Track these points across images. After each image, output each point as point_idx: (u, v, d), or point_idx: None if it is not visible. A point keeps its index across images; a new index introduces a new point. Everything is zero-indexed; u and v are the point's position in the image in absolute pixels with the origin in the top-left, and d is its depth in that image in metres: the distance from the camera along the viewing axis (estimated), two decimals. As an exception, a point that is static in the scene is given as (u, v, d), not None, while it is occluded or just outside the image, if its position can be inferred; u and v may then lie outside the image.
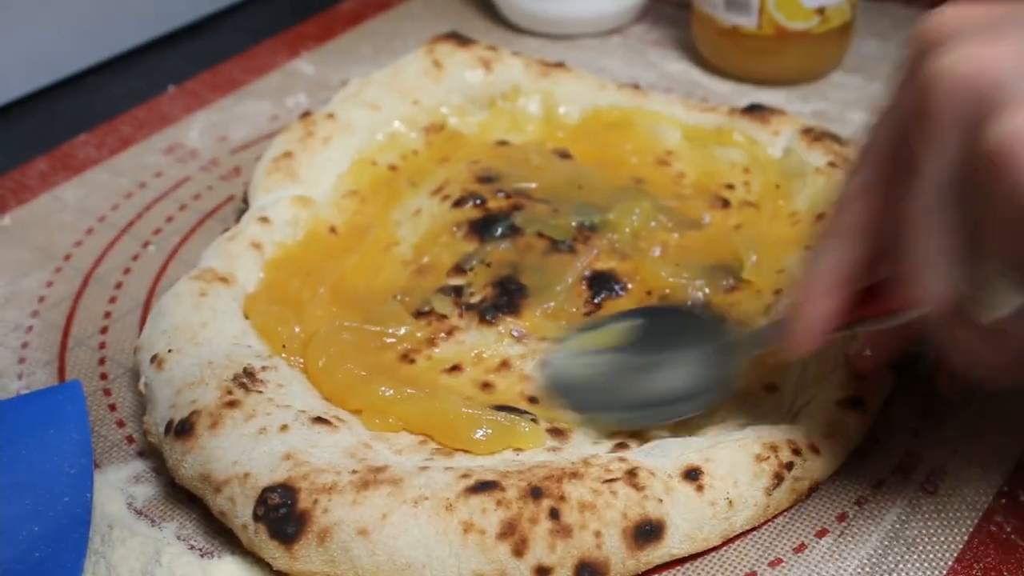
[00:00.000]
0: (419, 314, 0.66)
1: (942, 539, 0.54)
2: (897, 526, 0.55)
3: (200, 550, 0.56)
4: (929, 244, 0.45)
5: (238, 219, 0.75)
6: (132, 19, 1.01)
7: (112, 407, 0.65)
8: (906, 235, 0.46)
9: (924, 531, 0.55)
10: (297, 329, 0.65)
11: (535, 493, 0.52)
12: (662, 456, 0.55)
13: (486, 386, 0.62)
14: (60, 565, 0.53)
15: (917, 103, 0.44)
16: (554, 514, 0.51)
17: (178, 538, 0.57)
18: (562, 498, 0.52)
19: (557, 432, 0.59)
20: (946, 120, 0.43)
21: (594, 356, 0.62)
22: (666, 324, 0.63)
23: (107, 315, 0.72)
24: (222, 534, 0.56)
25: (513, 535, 0.51)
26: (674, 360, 0.61)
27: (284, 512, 0.52)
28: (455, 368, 0.63)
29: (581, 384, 0.61)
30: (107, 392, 0.66)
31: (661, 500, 0.53)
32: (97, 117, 0.92)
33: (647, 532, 0.52)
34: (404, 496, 0.52)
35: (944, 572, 0.53)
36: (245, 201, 0.77)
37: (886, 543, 0.54)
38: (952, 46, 0.43)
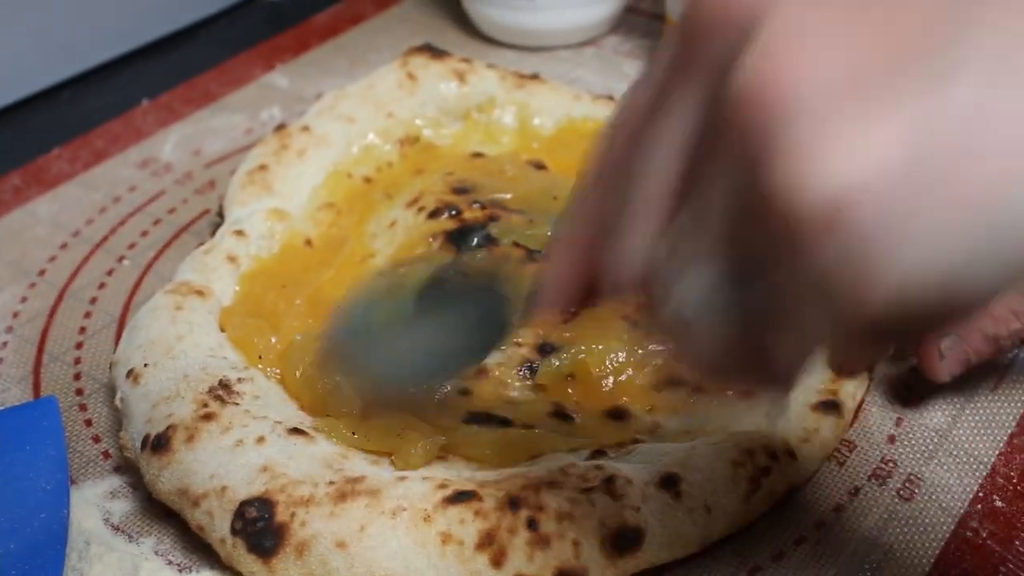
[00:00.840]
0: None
1: (919, 546, 0.55)
2: (874, 533, 0.55)
3: (178, 565, 0.56)
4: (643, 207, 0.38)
5: (213, 233, 0.74)
6: (106, 32, 1.01)
7: (88, 422, 0.65)
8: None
9: (901, 538, 0.55)
10: (274, 340, 0.65)
11: (513, 503, 0.52)
12: (639, 463, 0.55)
13: (464, 393, 0.62)
14: (37, 582, 0.53)
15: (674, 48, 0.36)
16: (532, 524, 0.51)
17: (156, 553, 0.56)
18: (540, 508, 0.52)
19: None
20: (693, 66, 0.35)
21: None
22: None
23: (82, 330, 0.72)
24: (200, 549, 0.56)
25: (491, 546, 0.51)
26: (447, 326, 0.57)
27: (262, 526, 0.52)
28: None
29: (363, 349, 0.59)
30: (83, 408, 0.66)
31: (638, 508, 0.53)
32: (71, 131, 0.92)
33: (625, 540, 0.52)
34: (382, 507, 0.52)
35: (921, 578, 0.53)
36: (220, 215, 0.77)
37: (863, 550, 0.55)
38: None
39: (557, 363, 0.62)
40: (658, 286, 0.38)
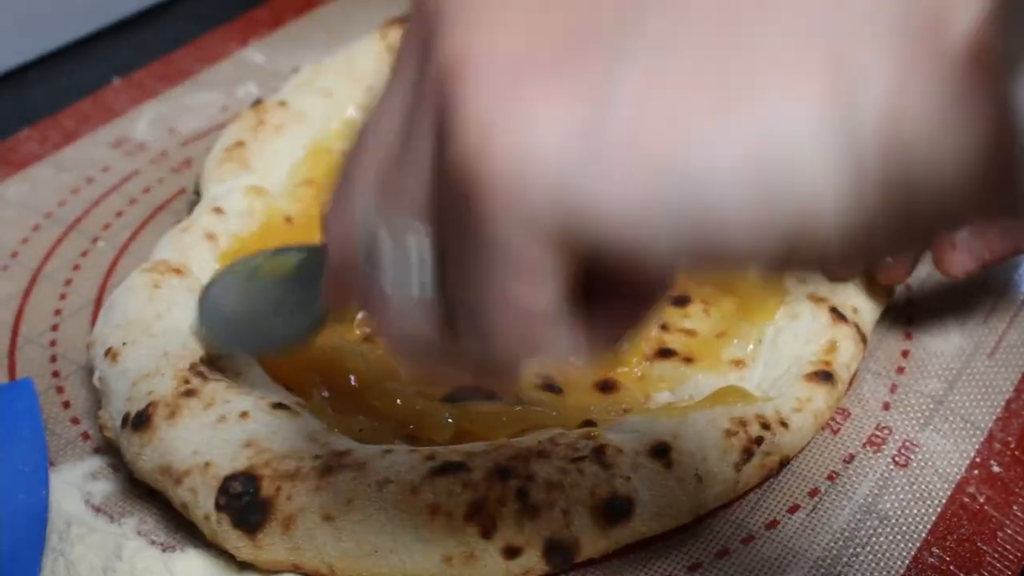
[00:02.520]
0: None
1: (915, 511, 0.54)
2: (870, 500, 0.55)
3: (162, 545, 0.54)
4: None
5: (190, 211, 0.73)
6: (74, 10, 0.99)
7: (66, 404, 0.63)
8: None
9: (897, 504, 0.55)
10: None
11: (502, 473, 0.51)
12: (629, 433, 0.54)
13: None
14: (17, 564, 0.52)
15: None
16: (521, 494, 0.51)
17: (138, 533, 0.55)
18: (529, 478, 0.51)
19: None
20: (408, 51, 0.36)
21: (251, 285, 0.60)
22: None
23: (57, 312, 0.70)
24: (183, 528, 0.54)
25: (481, 516, 0.50)
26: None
27: (247, 501, 0.51)
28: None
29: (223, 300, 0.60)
30: (60, 390, 0.64)
31: (629, 477, 0.52)
32: (39, 111, 0.90)
33: (616, 510, 0.51)
34: (368, 480, 0.51)
35: (918, 544, 0.53)
36: (197, 193, 0.76)
37: (859, 517, 0.54)
38: None
39: None
40: (368, 260, 0.37)
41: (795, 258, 0.32)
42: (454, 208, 0.34)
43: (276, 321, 0.58)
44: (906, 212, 0.31)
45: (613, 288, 0.36)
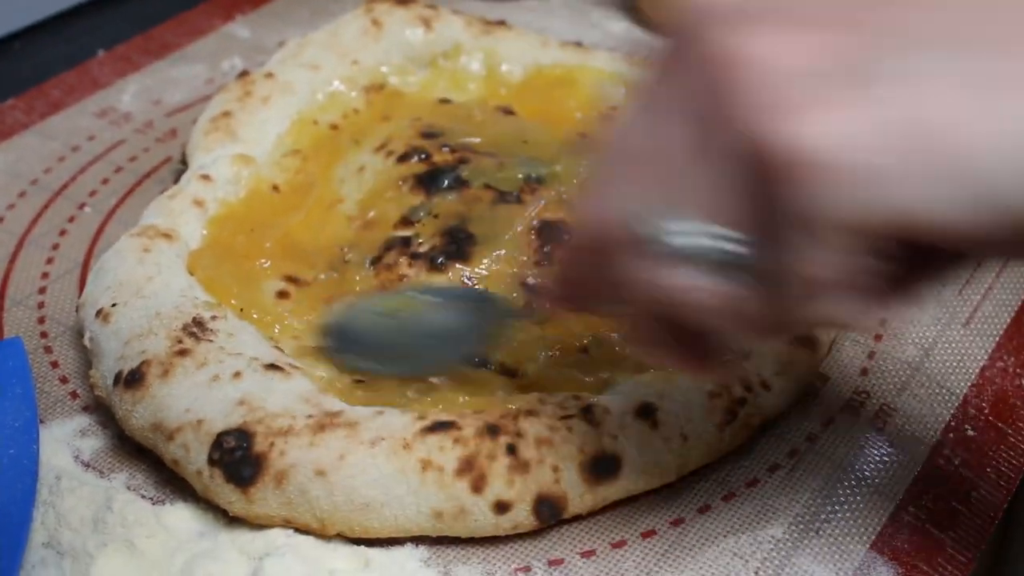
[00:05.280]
0: (370, 264, 0.66)
1: (892, 472, 0.56)
2: (848, 460, 0.56)
3: (151, 499, 0.55)
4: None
5: (176, 180, 0.73)
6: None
7: (54, 364, 0.64)
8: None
9: (874, 465, 0.56)
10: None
11: (492, 430, 0.52)
12: (616, 394, 0.55)
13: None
14: (9, 516, 0.52)
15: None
16: (511, 450, 0.52)
17: (128, 488, 0.56)
18: (519, 434, 0.52)
19: None
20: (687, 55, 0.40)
21: (377, 314, 0.61)
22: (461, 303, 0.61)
23: (44, 276, 0.70)
24: (173, 483, 0.55)
25: (471, 471, 0.51)
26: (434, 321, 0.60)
27: (240, 455, 0.52)
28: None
29: (354, 332, 0.61)
30: (48, 350, 0.65)
31: (616, 436, 0.53)
32: (25, 82, 0.90)
33: (604, 467, 0.52)
34: (361, 437, 0.52)
35: (895, 503, 0.54)
36: (183, 162, 0.76)
37: (837, 476, 0.55)
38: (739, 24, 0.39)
39: None
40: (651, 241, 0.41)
41: None
42: (761, 193, 0.37)
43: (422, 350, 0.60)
44: None
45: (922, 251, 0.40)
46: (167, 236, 0.66)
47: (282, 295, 0.64)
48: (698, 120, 0.39)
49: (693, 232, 0.39)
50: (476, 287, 0.63)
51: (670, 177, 0.40)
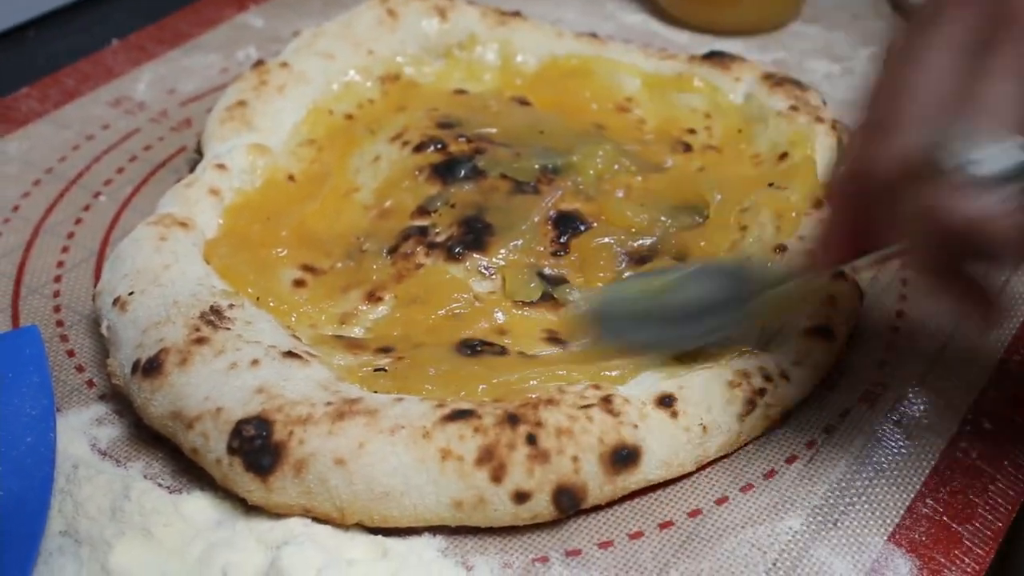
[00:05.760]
0: (387, 253, 0.66)
1: (909, 464, 0.56)
2: (865, 452, 0.56)
3: (168, 488, 0.55)
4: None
5: (191, 169, 0.73)
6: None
7: (70, 353, 0.64)
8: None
9: (891, 457, 0.56)
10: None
11: (512, 420, 0.52)
12: (636, 384, 0.55)
13: (455, 316, 0.62)
14: (27, 503, 0.52)
15: None
16: (531, 439, 0.51)
17: (145, 477, 0.56)
18: (539, 424, 0.52)
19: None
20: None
21: (636, 296, 0.61)
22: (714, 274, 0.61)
23: (60, 264, 0.70)
24: (190, 471, 0.55)
25: (491, 461, 0.51)
26: (701, 295, 0.59)
27: (259, 444, 0.52)
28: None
29: (617, 316, 0.61)
30: (64, 338, 0.65)
31: (636, 426, 0.53)
32: (38, 71, 0.90)
33: (624, 457, 0.52)
34: (380, 426, 0.52)
35: (912, 495, 0.54)
36: (198, 151, 0.76)
37: (855, 468, 0.55)
38: None
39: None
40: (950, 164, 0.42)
41: None
42: None
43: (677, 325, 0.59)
44: None
45: None
46: (183, 225, 0.66)
47: (298, 283, 0.65)
48: (986, 44, 0.43)
49: (999, 155, 0.41)
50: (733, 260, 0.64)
51: (964, 104, 0.42)
